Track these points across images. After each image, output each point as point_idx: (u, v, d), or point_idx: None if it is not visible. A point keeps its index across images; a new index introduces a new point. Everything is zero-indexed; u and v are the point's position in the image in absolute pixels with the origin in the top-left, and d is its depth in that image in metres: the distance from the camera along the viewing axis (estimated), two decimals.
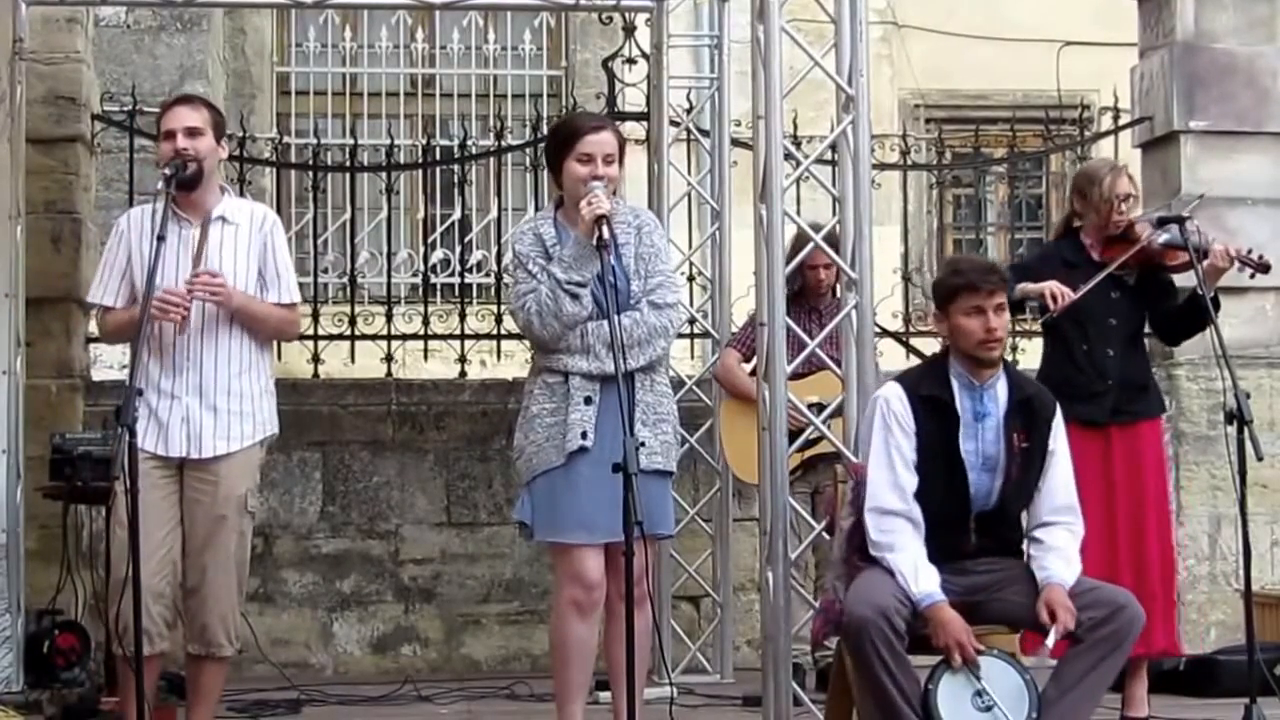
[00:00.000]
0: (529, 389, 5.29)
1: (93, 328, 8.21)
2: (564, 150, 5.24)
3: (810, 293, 7.25)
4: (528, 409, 5.26)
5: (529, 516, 5.24)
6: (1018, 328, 8.60)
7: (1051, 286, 6.09)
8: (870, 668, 4.85)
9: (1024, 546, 5.25)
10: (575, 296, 5.10)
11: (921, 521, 5.01)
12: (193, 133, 5.32)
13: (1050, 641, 4.94)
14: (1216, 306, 6.14)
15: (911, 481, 5.04)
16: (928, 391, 5.12)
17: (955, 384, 5.12)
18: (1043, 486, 5.14)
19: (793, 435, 6.06)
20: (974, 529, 5.09)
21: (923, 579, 4.91)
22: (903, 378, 5.33)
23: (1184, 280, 6.42)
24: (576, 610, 5.17)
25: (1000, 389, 5.14)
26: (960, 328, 5.07)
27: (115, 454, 4.76)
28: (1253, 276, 6.45)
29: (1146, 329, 6.51)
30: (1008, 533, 5.19)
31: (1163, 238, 6.21)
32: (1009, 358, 8.25)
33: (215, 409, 5.29)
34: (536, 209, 9.62)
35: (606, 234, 5.05)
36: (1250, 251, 6.34)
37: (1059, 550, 5.06)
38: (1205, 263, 6.13)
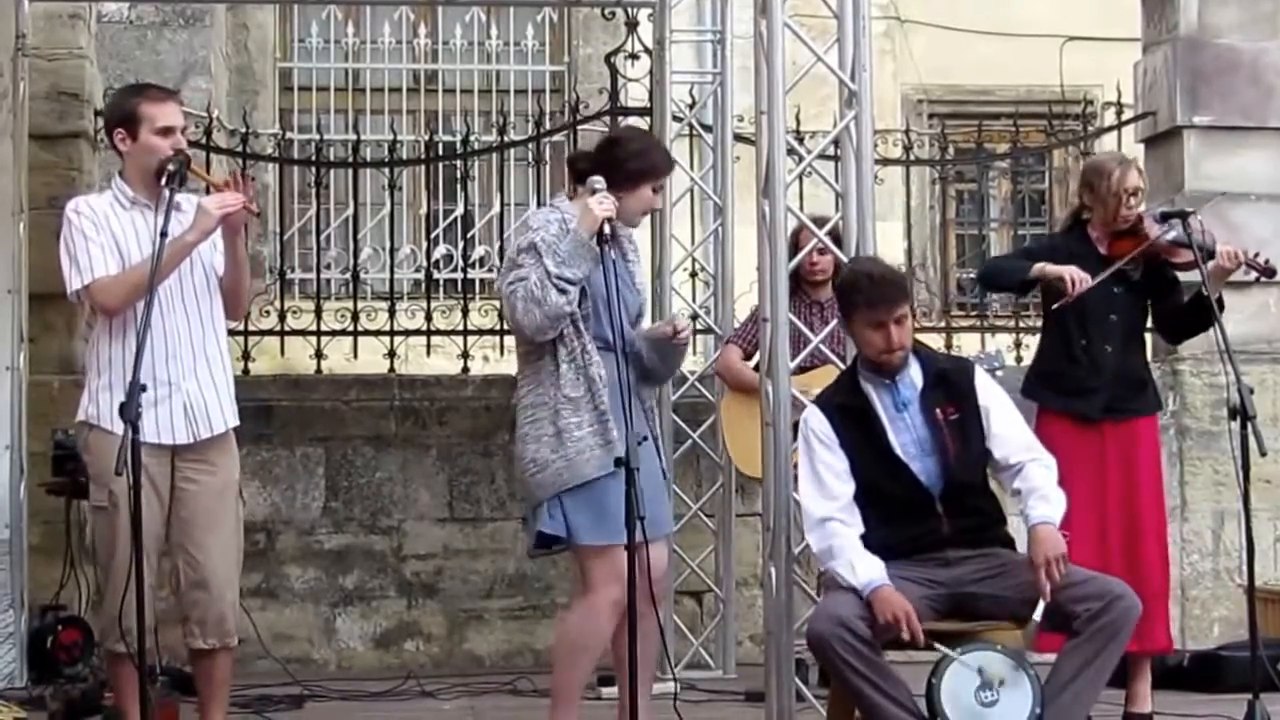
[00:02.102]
0: (545, 400, 5.27)
1: None
2: (645, 177, 5.33)
3: (806, 282, 7.22)
4: (554, 422, 5.24)
5: (563, 528, 5.23)
6: (1021, 324, 8.64)
7: (1071, 271, 6.05)
8: (845, 679, 4.88)
9: (1006, 524, 5.27)
10: (563, 291, 5.11)
11: (856, 519, 5.06)
12: (183, 132, 5.37)
13: (1038, 613, 4.93)
14: (1221, 307, 6.13)
15: (843, 488, 5.10)
16: (841, 401, 5.22)
17: (869, 386, 5.21)
18: (993, 442, 5.18)
19: (798, 428, 6.06)
20: (944, 513, 5.10)
21: (861, 571, 4.94)
22: (818, 397, 5.41)
23: (1186, 277, 6.41)
24: (616, 610, 5.17)
25: (914, 373, 5.21)
26: (863, 338, 5.18)
27: (119, 449, 4.73)
28: (1258, 280, 6.44)
29: (1149, 325, 6.49)
30: (981, 505, 5.19)
31: (1170, 234, 6.18)
32: (1008, 358, 8.31)
33: (216, 386, 5.31)
34: (539, 204, 9.66)
35: (608, 230, 5.08)
36: (1257, 255, 6.31)
37: (1037, 490, 5.09)
38: (1211, 263, 6.10)
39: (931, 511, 5.11)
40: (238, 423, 5.42)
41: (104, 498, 5.24)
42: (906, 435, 5.14)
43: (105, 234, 5.25)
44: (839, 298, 5.31)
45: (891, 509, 5.08)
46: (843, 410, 5.18)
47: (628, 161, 5.31)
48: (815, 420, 5.19)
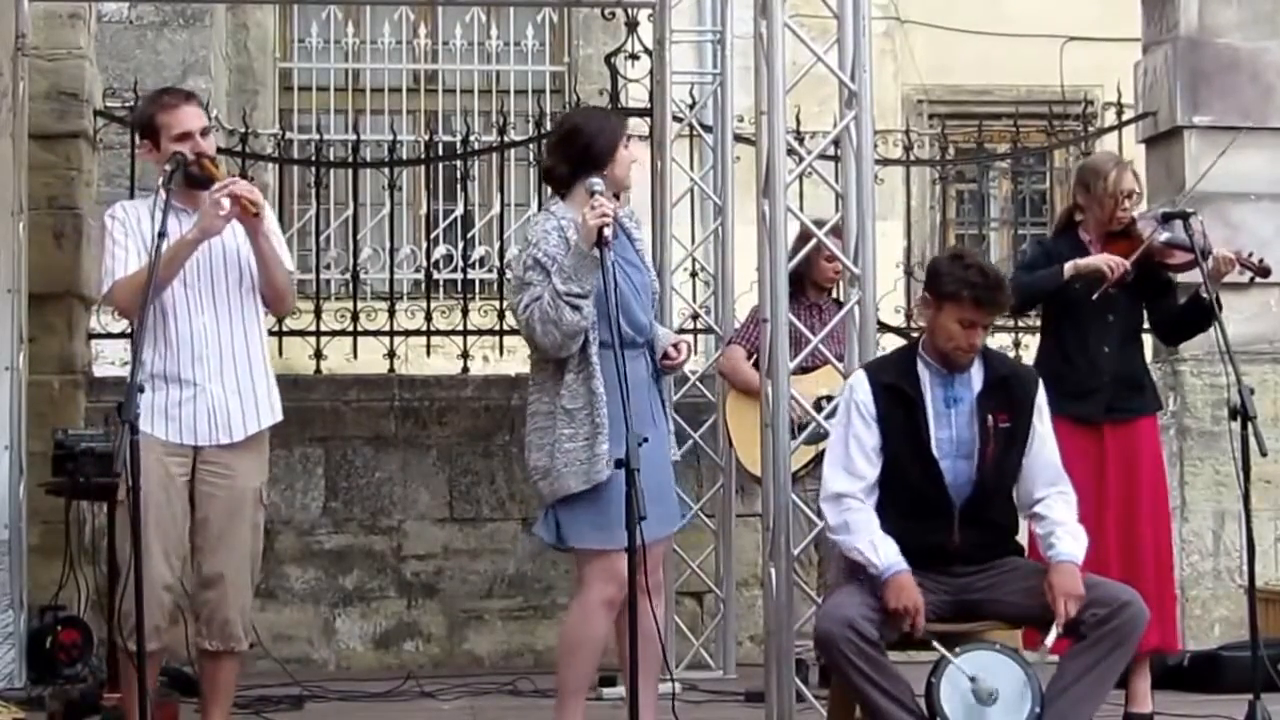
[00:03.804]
0: (549, 409, 5.28)
1: (94, 324, 8.23)
2: (616, 144, 5.29)
3: (813, 286, 7.23)
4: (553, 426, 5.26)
5: (554, 534, 5.28)
6: (1020, 323, 8.63)
7: (1105, 260, 6.06)
8: (850, 679, 4.88)
9: (1019, 533, 5.26)
10: (575, 308, 5.11)
11: (873, 501, 5.03)
12: (205, 133, 5.34)
13: (1050, 639, 4.94)
14: (1219, 308, 6.12)
15: (868, 469, 5.05)
16: (890, 380, 5.13)
17: (925, 372, 5.13)
18: (1028, 465, 5.14)
19: (803, 429, 6.07)
20: (958, 524, 5.06)
21: (883, 552, 4.92)
22: (869, 365, 5.35)
23: (1183, 279, 6.41)
24: (610, 609, 5.20)
25: (974, 372, 5.14)
26: (945, 329, 5.07)
27: (118, 449, 4.73)
28: (1252, 280, 6.44)
29: (1145, 326, 6.49)
30: (997, 521, 5.16)
31: (1164, 235, 6.18)
32: (1011, 355, 8.29)
33: (240, 391, 5.30)
34: (539, 205, 9.66)
35: (608, 233, 5.07)
36: (1251, 255, 6.32)
37: (1064, 525, 5.07)
38: (1207, 264, 6.10)
39: (947, 521, 5.05)
40: (275, 420, 5.39)
41: (124, 494, 5.25)
42: (946, 432, 5.07)
43: (135, 238, 5.27)
44: (937, 275, 5.14)
45: (908, 503, 5.04)
46: (890, 389, 5.09)
47: (595, 141, 5.29)
48: (860, 390, 5.11)
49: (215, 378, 5.26)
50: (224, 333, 5.28)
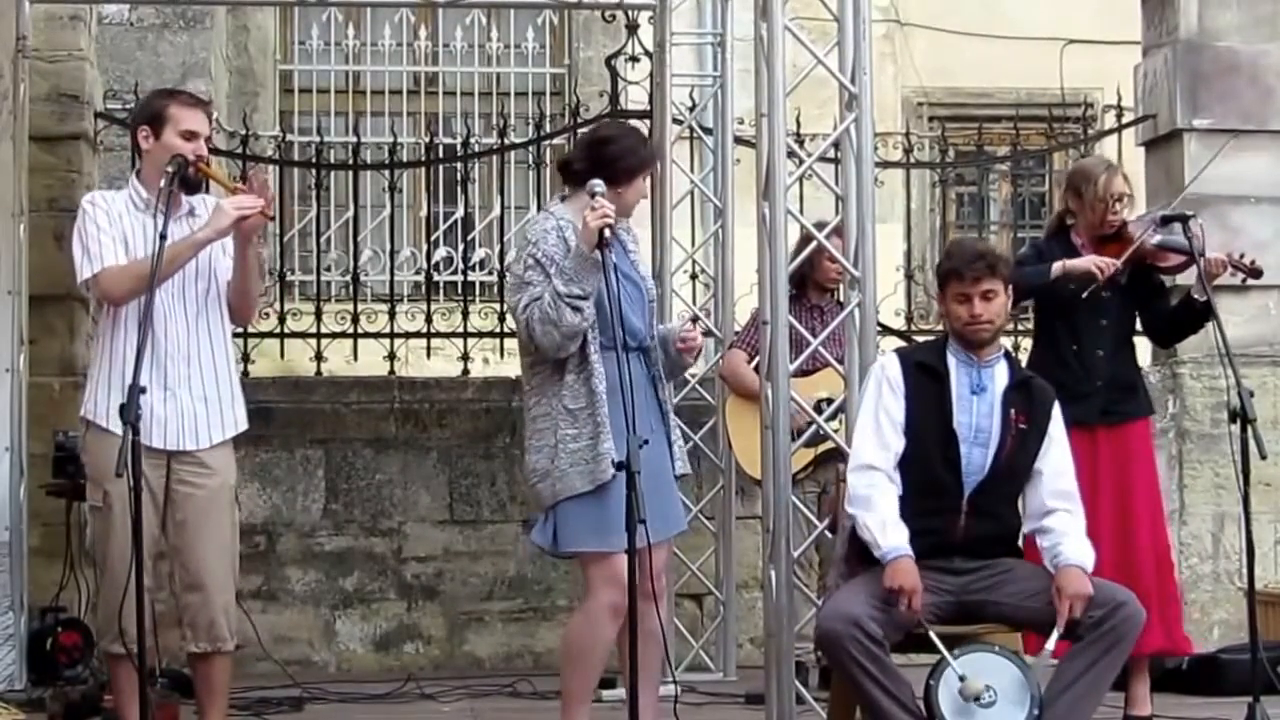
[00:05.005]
0: (549, 411, 5.27)
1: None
2: (640, 170, 5.36)
3: (816, 288, 7.24)
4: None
5: (549, 539, 5.28)
6: (1019, 326, 8.64)
7: (1094, 261, 6.08)
8: (852, 677, 4.89)
9: (1021, 542, 5.27)
10: (576, 309, 5.11)
11: (899, 482, 5.08)
12: (207, 140, 5.37)
13: (1051, 643, 4.95)
14: (1213, 309, 6.12)
15: (897, 442, 5.11)
16: (922, 359, 5.23)
17: (954, 359, 5.20)
18: (1041, 469, 5.19)
19: (803, 432, 6.07)
20: (965, 510, 5.10)
21: (890, 535, 4.97)
22: (900, 348, 5.47)
23: (1179, 280, 6.42)
24: (615, 615, 5.19)
25: (1000, 370, 5.21)
26: (949, 311, 5.19)
27: (119, 451, 4.73)
28: (1244, 282, 6.45)
29: (1138, 328, 6.49)
30: (1002, 519, 5.19)
31: (1156, 238, 6.20)
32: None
33: (206, 398, 5.31)
34: (539, 207, 9.67)
35: (608, 235, 5.07)
36: (1243, 256, 6.32)
37: (1071, 536, 5.11)
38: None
39: (955, 507, 5.11)
40: (240, 429, 5.40)
41: (99, 498, 5.26)
42: (966, 418, 5.14)
43: (117, 229, 5.28)
44: (937, 273, 5.32)
45: (920, 484, 5.08)
46: (920, 368, 5.19)
47: (622, 159, 5.33)
48: (891, 366, 5.21)
49: (183, 384, 5.28)
50: (192, 340, 5.30)
